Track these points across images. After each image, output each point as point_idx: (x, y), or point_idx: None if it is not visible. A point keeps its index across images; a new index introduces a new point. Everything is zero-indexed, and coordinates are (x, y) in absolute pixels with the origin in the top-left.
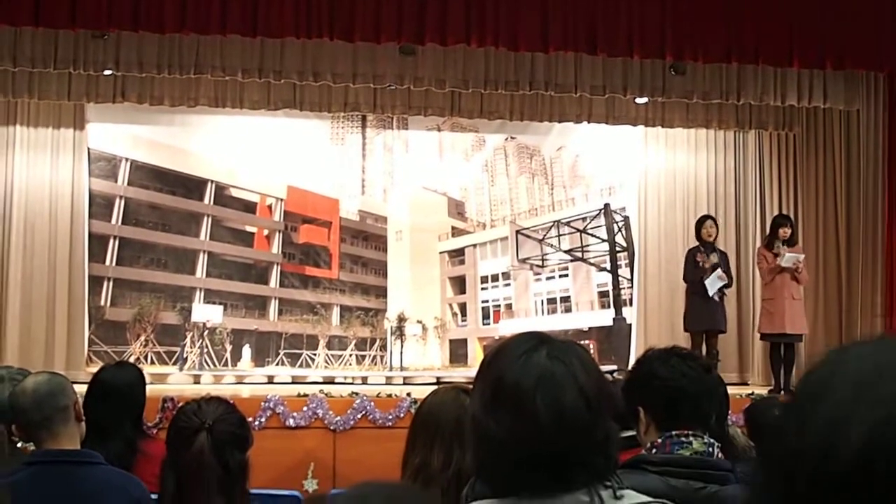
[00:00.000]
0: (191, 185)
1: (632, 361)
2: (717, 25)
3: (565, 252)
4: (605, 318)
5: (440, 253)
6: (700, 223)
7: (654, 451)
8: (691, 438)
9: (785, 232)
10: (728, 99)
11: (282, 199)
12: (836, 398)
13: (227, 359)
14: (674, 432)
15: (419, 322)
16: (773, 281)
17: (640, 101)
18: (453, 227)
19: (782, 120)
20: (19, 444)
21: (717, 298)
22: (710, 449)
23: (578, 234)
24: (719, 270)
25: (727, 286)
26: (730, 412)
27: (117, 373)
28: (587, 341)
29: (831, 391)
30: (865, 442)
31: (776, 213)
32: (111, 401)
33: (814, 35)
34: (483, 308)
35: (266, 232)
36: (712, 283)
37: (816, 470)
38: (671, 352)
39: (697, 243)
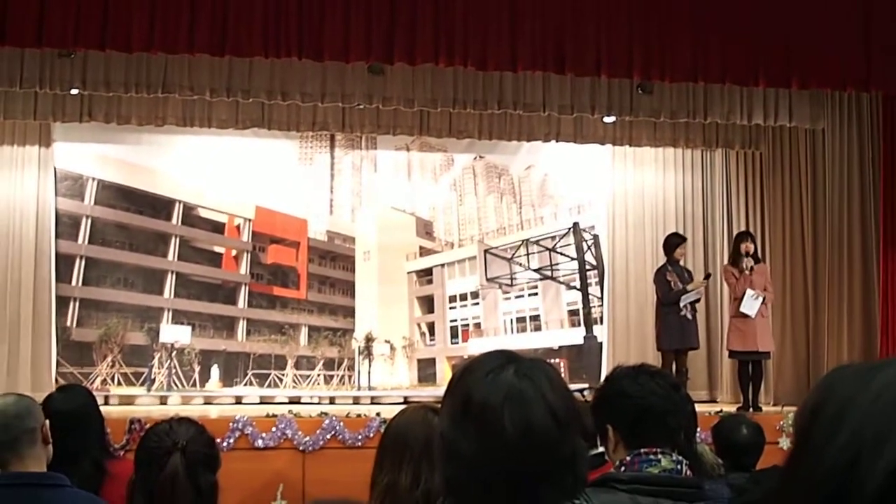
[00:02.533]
0: (158, 205)
1: (602, 377)
2: (684, 45)
3: (534, 271)
4: (576, 336)
5: (408, 273)
6: (675, 244)
7: (622, 468)
8: (660, 456)
9: (747, 247)
10: (695, 118)
11: (250, 220)
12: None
13: (195, 379)
14: (642, 450)
15: (387, 342)
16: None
17: (607, 120)
18: (421, 247)
19: (748, 139)
20: None
21: (689, 316)
22: (679, 466)
23: (548, 252)
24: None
25: (696, 300)
26: (698, 429)
27: (66, 397)
28: (557, 360)
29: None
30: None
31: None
32: (69, 426)
33: (779, 54)
34: (451, 327)
35: (234, 252)
36: (751, 305)
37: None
38: (640, 369)
39: (665, 262)
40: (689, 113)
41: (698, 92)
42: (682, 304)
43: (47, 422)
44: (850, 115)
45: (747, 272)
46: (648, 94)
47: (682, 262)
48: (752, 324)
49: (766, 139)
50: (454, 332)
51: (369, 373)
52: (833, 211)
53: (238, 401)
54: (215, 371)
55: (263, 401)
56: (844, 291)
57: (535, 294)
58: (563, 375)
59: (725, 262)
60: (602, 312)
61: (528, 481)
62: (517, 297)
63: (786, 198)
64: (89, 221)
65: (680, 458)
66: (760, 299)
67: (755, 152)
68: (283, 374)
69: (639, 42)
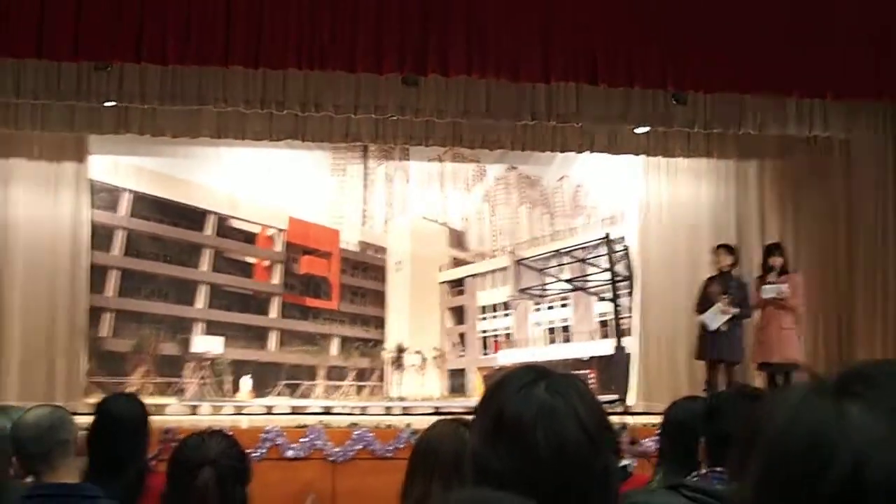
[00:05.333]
0: (192, 217)
1: (631, 391)
2: (719, 55)
3: (566, 282)
4: (606, 347)
5: (440, 283)
6: (713, 252)
7: (696, 478)
8: None
9: (775, 260)
10: (729, 128)
11: (283, 230)
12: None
13: (227, 389)
14: (718, 468)
15: (418, 352)
16: (764, 311)
17: (640, 130)
18: (453, 258)
19: (782, 149)
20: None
21: (724, 328)
22: None
23: (579, 263)
24: (720, 305)
25: (739, 318)
26: None
27: (126, 404)
28: (587, 371)
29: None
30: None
31: (776, 241)
32: (124, 433)
33: (814, 65)
34: (482, 338)
35: (266, 263)
36: (712, 318)
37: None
38: (743, 392)
39: (716, 272)
40: (723, 123)
41: (732, 102)
42: (710, 328)
43: (82, 433)
44: (886, 124)
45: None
46: (682, 105)
47: (734, 273)
48: (769, 335)
49: (800, 149)
50: (485, 343)
51: (400, 383)
52: (868, 219)
53: (269, 411)
54: (247, 381)
55: (294, 411)
56: (878, 302)
57: (566, 305)
58: (592, 387)
59: (759, 272)
60: (632, 323)
61: (561, 498)
62: (548, 307)
63: (821, 210)
64: (124, 233)
65: None
66: (726, 317)
67: (790, 163)
68: (314, 385)
69: (672, 52)
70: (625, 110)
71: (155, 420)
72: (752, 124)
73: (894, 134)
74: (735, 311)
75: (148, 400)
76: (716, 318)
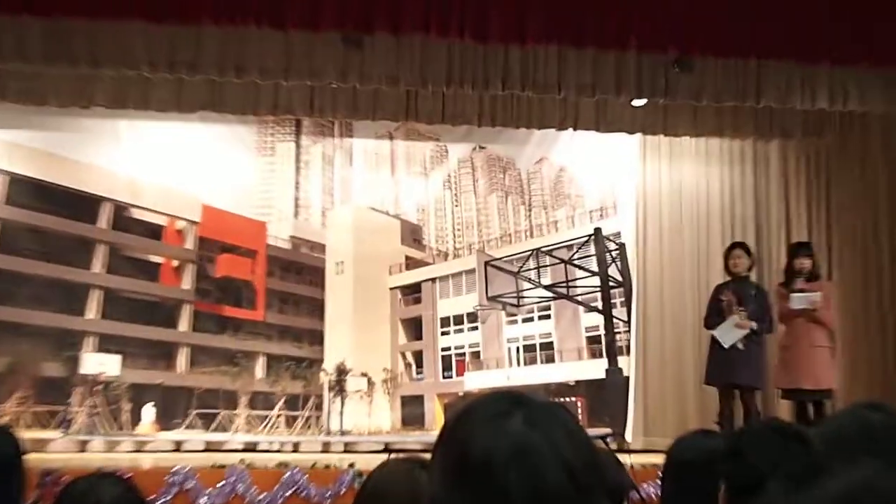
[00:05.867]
0: (82, 205)
1: (630, 421)
2: (732, 13)
3: (546, 288)
4: (597, 369)
5: (391, 289)
6: (727, 253)
7: None
8: None
9: (802, 263)
10: (745, 101)
11: (195, 223)
12: None
13: (124, 420)
14: None
15: (364, 375)
16: (791, 325)
17: (637, 103)
18: (408, 258)
19: (811, 126)
20: None
21: (740, 346)
22: None
23: (563, 265)
24: (736, 318)
25: (758, 334)
26: None
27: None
28: (574, 398)
29: None
30: None
31: (802, 240)
32: None
33: (848, 26)
34: (444, 357)
35: (175, 263)
36: (725, 334)
37: None
38: (773, 429)
39: (729, 278)
40: (737, 95)
41: (749, 69)
42: (725, 345)
43: None
44: None
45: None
46: (688, 72)
47: (751, 278)
48: (797, 354)
49: (832, 127)
50: (447, 364)
51: (341, 413)
52: None
53: (177, 447)
54: (149, 410)
55: (209, 448)
56: None
57: (548, 317)
58: (580, 418)
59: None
60: (629, 339)
61: None
62: (525, 320)
63: (858, 198)
64: None
65: None
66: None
67: (819, 143)
68: (234, 415)
69: (676, 8)
70: (617, 79)
71: (33, 459)
72: (774, 96)
73: None
74: (753, 325)
75: (25, 433)
76: (730, 333)
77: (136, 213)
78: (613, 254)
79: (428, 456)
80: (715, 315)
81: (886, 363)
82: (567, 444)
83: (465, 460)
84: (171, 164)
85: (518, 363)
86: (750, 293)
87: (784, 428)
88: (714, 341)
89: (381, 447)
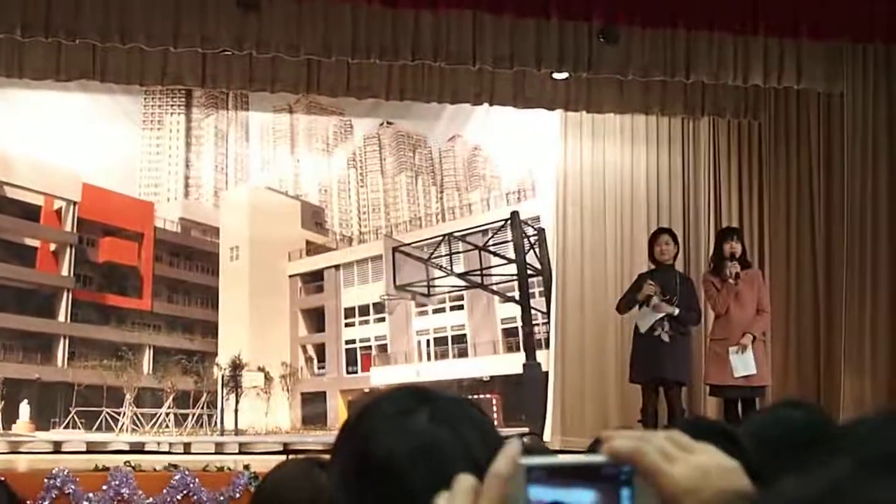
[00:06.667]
0: None
1: (548, 420)
2: None
3: (459, 276)
4: (514, 363)
5: (290, 276)
6: (652, 239)
7: None
8: None
9: (733, 247)
10: (674, 76)
11: (75, 202)
12: None
13: None
14: None
15: (261, 370)
16: (723, 316)
17: (558, 76)
18: (308, 242)
19: (744, 104)
20: None
21: (665, 337)
22: None
23: (477, 252)
24: (655, 299)
25: (683, 323)
26: None
27: None
28: (489, 395)
29: None
30: None
31: (732, 224)
32: None
33: None
34: (348, 351)
35: (53, 246)
36: (642, 317)
37: None
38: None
39: (653, 266)
40: (666, 69)
41: (679, 41)
42: (642, 329)
43: None
44: (878, 74)
45: (731, 281)
46: (613, 44)
47: (675, 265)
48: (731, 347)
49: (766, 105)
50: (351, 358)
51: (236, 412)
52: (854, 199)
53: (57, 449)
54: (25, 408)
55: (91, 449)
56: (867, 307)
57: (461, 307)
58: (495, 416)
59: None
60: (549, 332)
61: None
62: (436, 311)
63: (791, 182)
64: None
65: None
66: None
67: (753, 122)
68: (118, 413)
69: None
70: (537, 49)
71: None
72: (705, 71)
73: (889, 86)
74: (671, 309)
75: None
76: (647, 317)
77: (9, 192)
78: (532, 240)
79: (328, 456)
80: (630, 299)
81: (818, 356)
82: (477, 442)
83: (366, 460)
84: (47, 139)
85: (428, 357)
86: (675, 283)
87: (712, 426)
88: (637, 333)
89: (280, 448)
